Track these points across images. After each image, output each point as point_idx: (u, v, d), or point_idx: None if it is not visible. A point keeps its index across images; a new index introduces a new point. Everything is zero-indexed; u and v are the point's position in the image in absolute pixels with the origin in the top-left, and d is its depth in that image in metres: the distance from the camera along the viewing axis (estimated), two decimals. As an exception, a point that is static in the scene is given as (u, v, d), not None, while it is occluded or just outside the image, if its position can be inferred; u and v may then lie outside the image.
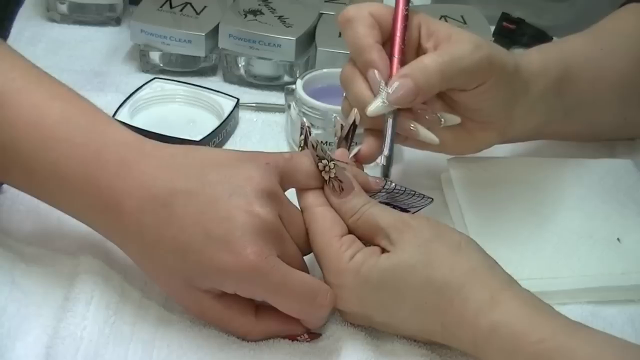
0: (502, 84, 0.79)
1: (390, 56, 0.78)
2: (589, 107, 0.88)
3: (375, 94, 0.77)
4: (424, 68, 0.76)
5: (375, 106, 0.77)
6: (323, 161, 0.73)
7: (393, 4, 0.80)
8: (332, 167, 0.73)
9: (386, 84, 0.77)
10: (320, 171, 0.73)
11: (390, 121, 0.77)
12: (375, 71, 0.77)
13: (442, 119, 0.80)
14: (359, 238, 0.72)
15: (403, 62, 0.78)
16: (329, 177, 0.73)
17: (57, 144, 0.71)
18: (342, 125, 0.77)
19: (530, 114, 0.84)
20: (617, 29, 0.90)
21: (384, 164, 0.77)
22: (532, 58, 0.84)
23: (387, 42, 0.79)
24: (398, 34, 0.79)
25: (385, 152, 0.77)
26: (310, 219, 0.72)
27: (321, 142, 0.74)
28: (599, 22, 0.91)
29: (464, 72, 0.78)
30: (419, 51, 0.80)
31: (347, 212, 0.73)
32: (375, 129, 0.79)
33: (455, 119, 0.80)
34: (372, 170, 0.78)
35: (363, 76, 0.78)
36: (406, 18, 0.79)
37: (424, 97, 0.77)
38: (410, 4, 0.80)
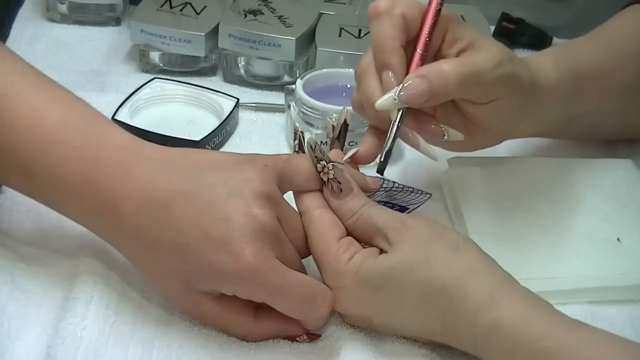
0: (516, 100, 0.78)
1: (414, 49, 0.76)
2: (592, 115, 0.87)
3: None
4: (443, 74, 0.74)
5: (384, 100, 0.74)
6: (321, 162, 0.73)
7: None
8: (330, 168, 0.72)
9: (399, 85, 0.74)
10: (319, 172, 0.73)
11: (397, 118, 0.75)
12: (390, 73, 0.75)
13: (446, 134, 0.78)
14: (358, 239, 0.72)
15: (424, 59, 0.76)
16: (328, 178, 0.73)
17: (56, 147, 0.71)
18: (333, 126, 0.76)
19: (534, 125, 0.83)
20: (626, 34, 0.88)
21: (382, 159, 0.75)
22: (548, 73, 0.82)
23: (412, 39, 0.77)
24: (426, 29, 0.76)
25: (386, 148, 0.75)
26: (308, 221, 0.72)
27: (321, 142, 0.74)
28: (607, 24, 0.89)
29: (482, 87, 0.76)
30: (438, 55, 0.78)
31: (346, 214, 0.72)
32: (379, 127, 0.78)
33: (458, 136, 0.78)
34: (368, 170, 0.78)
35: (378, 73, 0.76)
36: (438, 13, 0.76)
37: (435, 102, 0.75)
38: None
